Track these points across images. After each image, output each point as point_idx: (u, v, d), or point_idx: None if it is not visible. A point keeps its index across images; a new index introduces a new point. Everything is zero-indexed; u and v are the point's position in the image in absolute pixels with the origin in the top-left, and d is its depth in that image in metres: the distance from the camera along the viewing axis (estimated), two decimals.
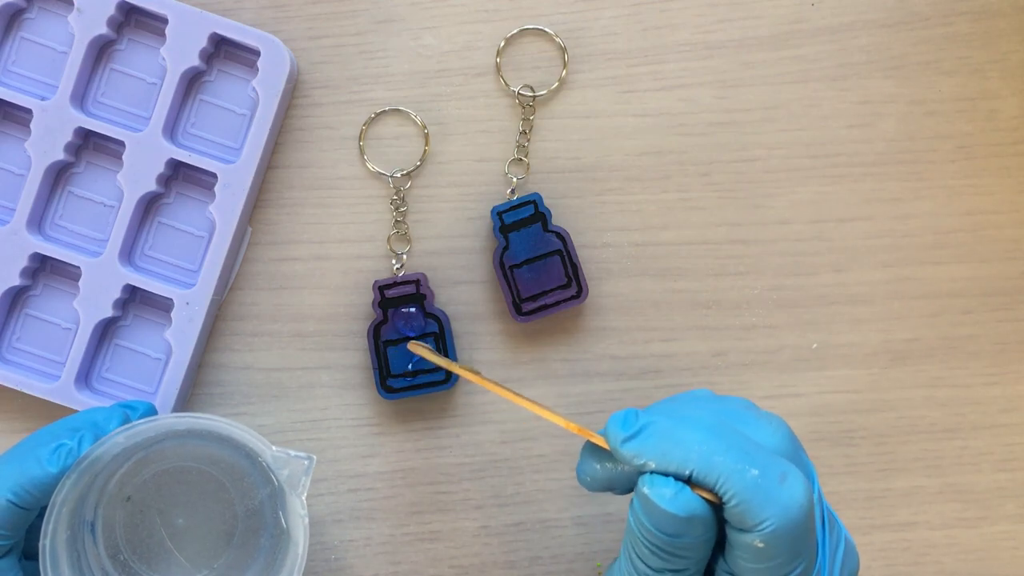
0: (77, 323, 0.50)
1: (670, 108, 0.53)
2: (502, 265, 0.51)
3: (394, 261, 0.52)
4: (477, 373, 0.45)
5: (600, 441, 0.40)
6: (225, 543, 0.48)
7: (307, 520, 0.43)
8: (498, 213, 0.51)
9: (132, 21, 0.52)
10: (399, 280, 0.51)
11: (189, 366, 0.50)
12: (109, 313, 0.50)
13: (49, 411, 0.52)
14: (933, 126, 0.53)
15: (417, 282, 0.51)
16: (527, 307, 0.51)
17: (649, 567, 0.39)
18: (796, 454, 0.40)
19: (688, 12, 0.53)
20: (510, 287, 0.51)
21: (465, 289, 0.52)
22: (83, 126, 0.50)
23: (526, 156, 0.53)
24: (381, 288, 0.51)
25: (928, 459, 0.53)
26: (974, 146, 0.53)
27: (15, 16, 0.51)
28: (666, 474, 0.38)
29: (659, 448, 0.38)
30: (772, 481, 0.37)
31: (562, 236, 0.51)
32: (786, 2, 0.53)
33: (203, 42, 0.50)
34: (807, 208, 0.53)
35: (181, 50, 0.50)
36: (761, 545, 0.37)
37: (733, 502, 0.37)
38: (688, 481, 0.38)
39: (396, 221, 0.52)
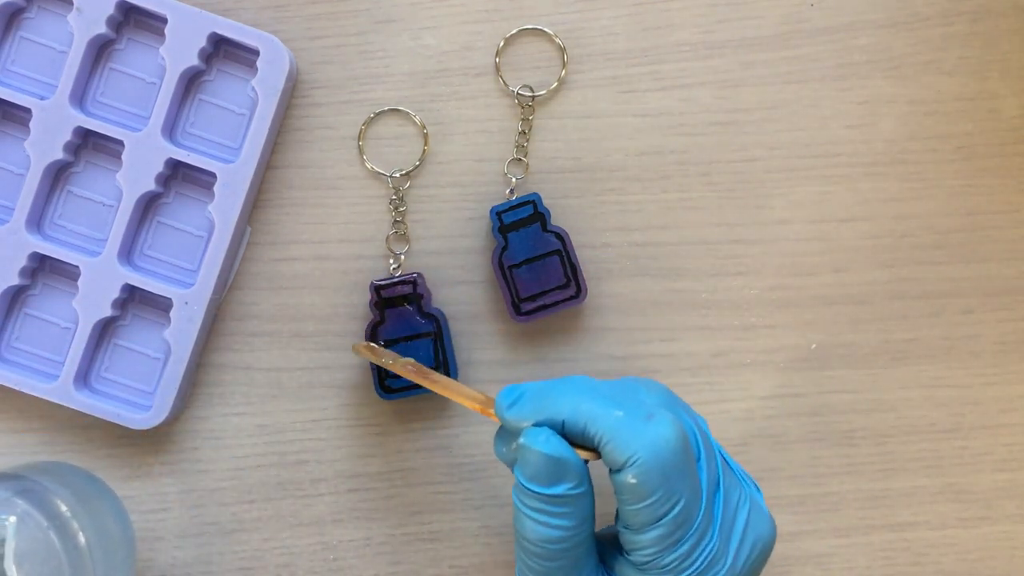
0: (76, 322, 0.50)
1: (670, 108, 0.53)
2: (501, 265, 0.51)
3: (391, 261, 0.52)
4: (411, 368, 0.47)
5: (494, 417, 0.42)
6: None
7: None
8: (497, 213, 0.51)
9: (131, 21, 0.52)
10: (395, 280, 0.51)
11: (188, 366, 0.50)
12: (108, 313, 0.50)
13: (48, 411, 0.52)
14: (933, 126, 0.53)
15: (414, 282, 0.51)
16: (526, 307, 0.51)
17: (530, 542, 0.40)
18: (674, 409, 0.42)
19: (688, 12, 0.53)
20: (509, 287, 0.51)
21: (464, 289, 0.52)
22: (82, 126, 0.50)
23: (525, 156, 0.53)
24: (377, 288, 0.51)
25: (928, 459, 0.53)
26: (974, 146, 0.53)
27: (15, 16, 0.51)
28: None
29: (535, 406, 0.41)
30: (638, 419, 0.40)
31: (561, 236, 0.51)
32: (786, 2, 0.53)
33: (202, 42, 0.50)
34: (807, 208, 0.53)
35: (180, 50, 0.50)
36: (634, 481, 0.39)
37: (603, 442, 0.39)
38: (563, 435, 0.40)
39: (395, 221, 0.52)
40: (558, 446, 0.40)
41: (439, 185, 0.53)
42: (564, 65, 0.53)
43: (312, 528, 0.52)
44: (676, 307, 0.53)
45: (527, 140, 0.53)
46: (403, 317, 0.51)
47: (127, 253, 0.51)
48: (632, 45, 0.53)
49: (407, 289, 0.51)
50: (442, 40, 0.53)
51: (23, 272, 0.50)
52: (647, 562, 0.40)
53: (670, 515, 0.39)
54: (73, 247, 0.51)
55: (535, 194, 0.51)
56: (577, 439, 0.40)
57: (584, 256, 0.52)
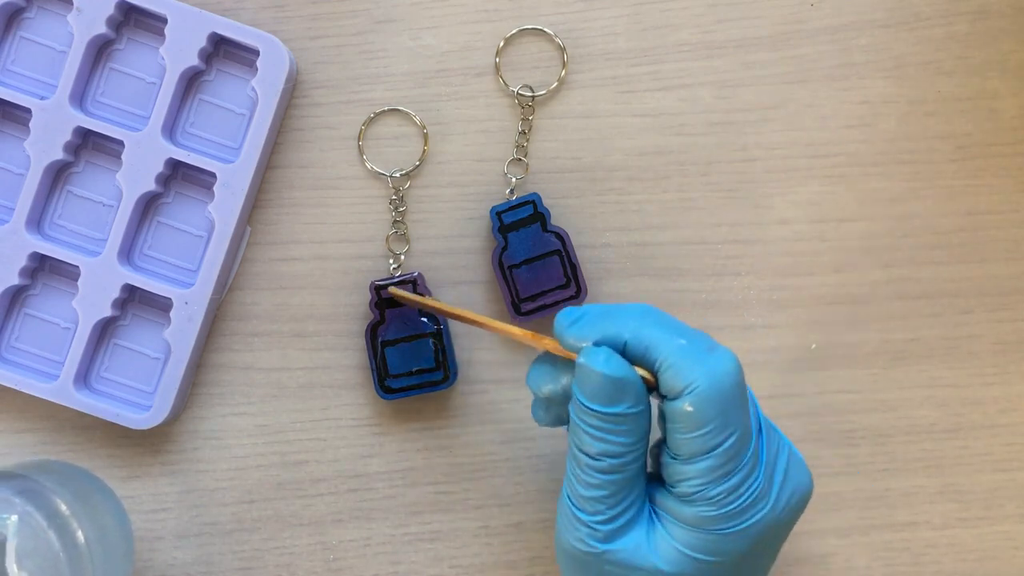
0: (76, 323, 0.50)
1: (670, 108, 0.53)
2: (501, 265, 0.51)
3: (391, 261, 0.52)
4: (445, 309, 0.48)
5: (549, 345, 0.43)
6: None
7: None
8: (497, 213, 0.51)
9: (131, 20, 0.52)
10: (395, 280, 0.51)
11: (188, 366, 0.50)
12: (108, 313, 0.50)
13: (48, 411, 0.52)
14: (933, 126, 0.53)
15: (414, 281, 0.51)
16: (526, 307, 0.51)
17: (589, 456, 0.40)
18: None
19: (688, 12, 0.53)
20: (509, 287, 0.51)
21: (464, 289, 0.52)
22: (82, 125, 0.50)
23: (525, 156, 0.53)
24: (377, 288, 0.51)
25: (928, 459, 0.53)
26: (974, 146, 0.53)
27: (15, 15, 0.51)
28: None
29: (598, 326, 0.41)
30: (700, 349, 0.40)
31: (561, 236, 0.51)
32: (786, 2, 0.53)
33: (202, 42, 0.50)
34: (807, 208, 0.53)
35: (180, 50, 0.50)
36: (690, 409, 0.39)
37: (664, 367, 0.40)
38: (623, 355, 0.40)
39: (395, 221, 0.52)
40: (618, 366, 0.40)
41: (439, 185, 0.53)
42: (564, 65, 0.53)
43: (312, 528, 0.52)
44: (676, 307, 0.53)
45: (527, 140, 0.53)
46: (403, 317, 0.51)
47: (127, 253, 0.51)
48: (632, 45, 0.53)
49: (408, 289, 0.51)
50: (442, 40, 0.53)
51: (23, 272, 0.50)
52: (693, 493, 0.40)
53: (722, 447, 0.39)
54: (73, 247, 0.51)
55: (535, 194, 0.51)
56: (636, 362, 0.40)
57: (584, 256, 0.52)
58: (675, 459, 0.40)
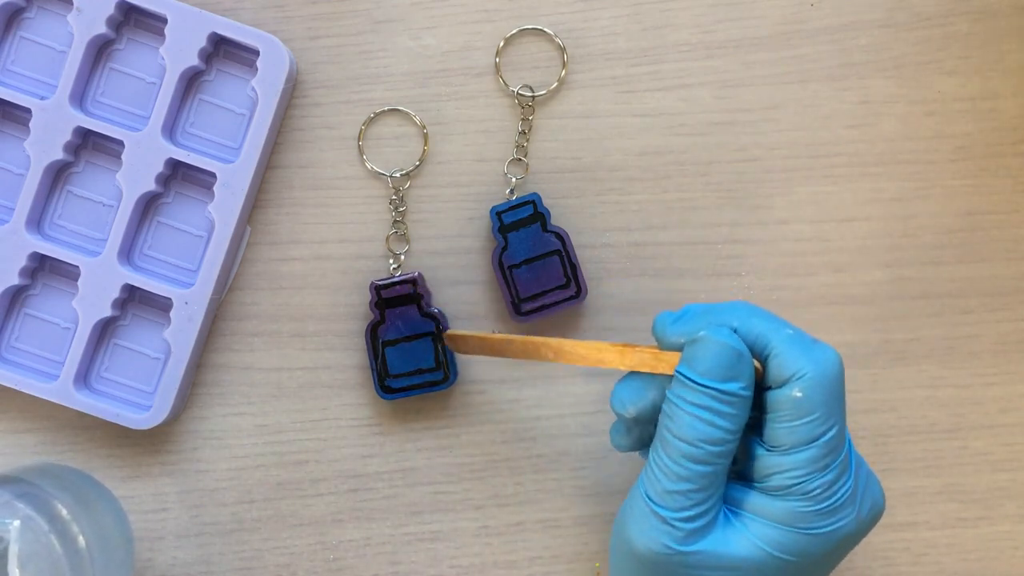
0: (76, 323, 0.50)
1: (670, 108, 0.53)
2: (501, 265, 0.51)
3: (391, 261, 0.52)
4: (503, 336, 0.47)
5: (643, 356, 0.42)
6: None
7: None
8: (497, 213, 0.51)
9: (131, 20, 0.52)
10: (395, 280, 0.51)
11: (188, 366, 0.50)
12: (108, 313, 0.50)
13: (48, 411, 0.52)
14: (933, 126, 0.53)
15: (414, 281, 0.51)
16: (526, 307, 0.51)
17: (686, 442, 0.40)
18: None
19: (688, 12, 0.53)
20: (509, 287, 0.51)
21: (464, 289, 0.52)
22: (82, 125, 0.50)
23: (525, 156, 0.53)
24: (377, 288, 0.51)
25: (928, 459, 0.53)
26: (974, 146, 0.53)
27: (15, 15, 0.51)
28: None
29: (703, 321, 0.41)
30: (805, 340, 0.41)
31: (561, 236, 0.51)
32: (786, 2, 0.53)
33: (202, 42, 0.50)
34: (807, 208, 0.53)
35: (180, 49, 0.50)
36: (799, 395, 0.39)
37: (773, 354, 0.40)
38: None
39: (395, 221, 0.52)
40: (740, 342, 0.40)
41: (439, 185, 0.53)
42: (564, 65, 0.53)
43: (312, 528, 0.52)
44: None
45: (527, 140, 0.53)
46: (403, 317, 0.51)
47: (127, 253, 0.51)
48: (632, 45, 0.53)
49: (407, 289, 0.51)
50: (442, 40, 0.53)
51: (23, 272, 0.51)
52: (790, 487, 0.40)
53: (824, 437, 0.39)
54: (73, 247, 0.51)
55: (535, 194, 0.51)
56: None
57: (584, 256, 0.52)
58: (771, 451, 0.40)
